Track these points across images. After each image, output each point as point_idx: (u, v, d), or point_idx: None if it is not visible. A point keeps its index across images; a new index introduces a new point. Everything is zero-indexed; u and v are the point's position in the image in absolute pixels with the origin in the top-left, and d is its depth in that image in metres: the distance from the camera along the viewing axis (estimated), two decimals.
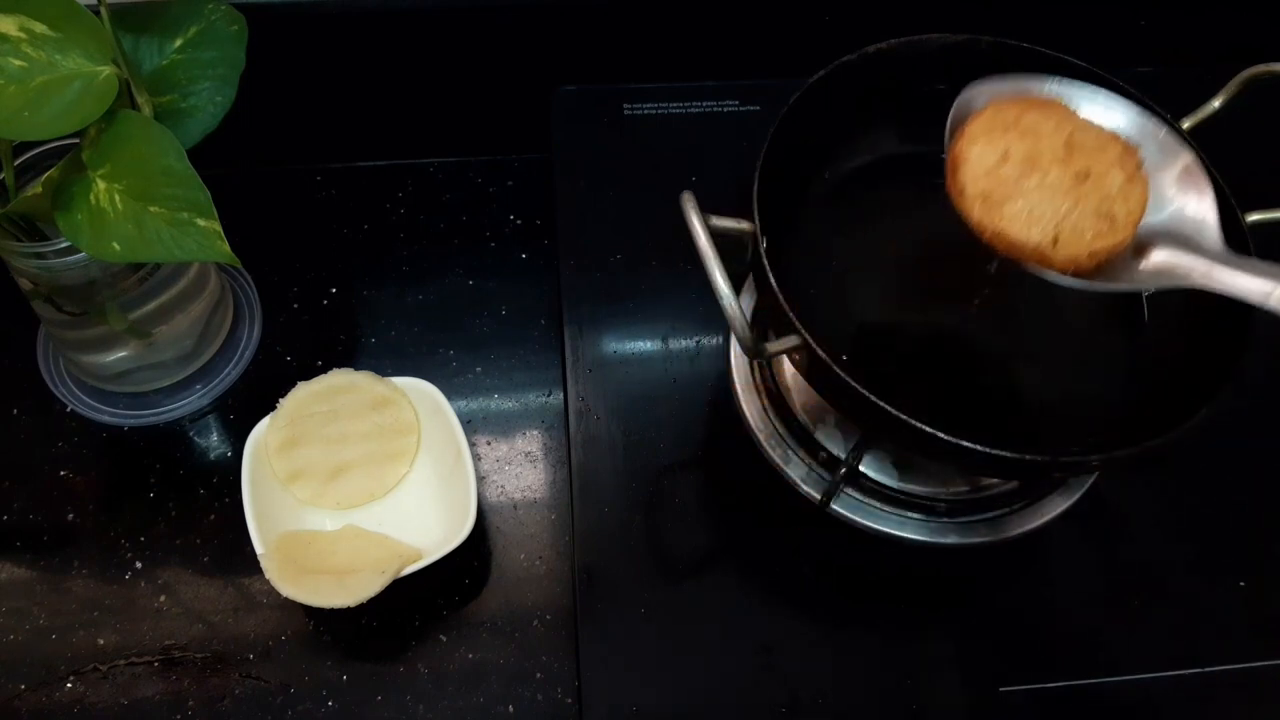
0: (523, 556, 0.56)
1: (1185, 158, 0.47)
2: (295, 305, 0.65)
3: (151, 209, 0.46)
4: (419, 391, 0.57)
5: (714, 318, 0.62)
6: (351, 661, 0.53)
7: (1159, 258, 0.46)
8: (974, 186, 0.46)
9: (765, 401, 0.56)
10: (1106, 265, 0.46)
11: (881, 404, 0.43)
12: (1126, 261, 0.46)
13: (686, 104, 0.71)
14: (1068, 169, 0.45)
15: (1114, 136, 0.47)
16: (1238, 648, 0.53)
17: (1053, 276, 0.45)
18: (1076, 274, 0.45)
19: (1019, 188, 0.45)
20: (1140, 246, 0.46)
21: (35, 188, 0.46)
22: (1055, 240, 0.44)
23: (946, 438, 0.42)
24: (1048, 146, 0.46)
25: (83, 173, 0.46)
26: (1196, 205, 0.47)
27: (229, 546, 0.55)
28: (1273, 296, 0.42)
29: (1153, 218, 0.47)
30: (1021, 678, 0.52)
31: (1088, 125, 0.47)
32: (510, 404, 0.62)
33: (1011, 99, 0.48)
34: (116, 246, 0.46)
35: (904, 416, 0.42)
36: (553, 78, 0.70)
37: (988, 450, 0.42)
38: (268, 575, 0.50)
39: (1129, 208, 0.45)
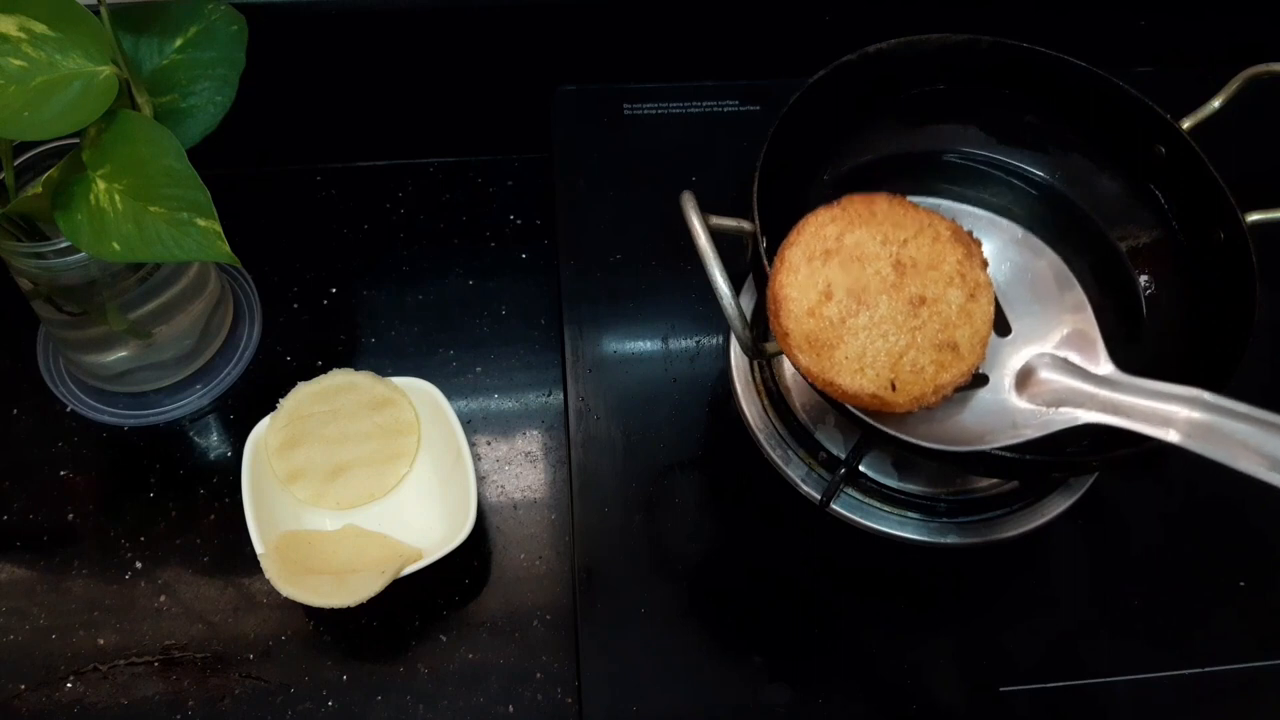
0: (523, 556, 0.56)
1: (1075, 314, 0.43)
2: (295, 305, 0.65)
3: (151, 209, 0.46)
4: (419, 391, 0.57)
5: (714, 318, 0.62)
6: (351, 661, 0.53)
7: (1046, 385, 0.42)
8: (797, 330, 0.41)
9: (765, 401, 0.56)
10: (991, 411, 0.42)
11: None
12: (1008, 400, 0.42)
13: (686, 104, 0.71)
14: (899, 297, 0.41)
15: (952, 233, 0.43)
16: (1238, 648, 0.53)
17: (927, 445, 0.40)
18: (926, 409, 0.41)
19: (846, 329, 0.41)
20: (1024, 375, 0.43)
21: (35, 188, 0.46)
22: (893, 384, 0.41)
23: None
24: (874, 273, 0.42)
25: (83, 173, 0.46)
26: (1081, 343, 0.42)
27: (229, 546, 0.55)
28: (1176, 423, 0.36)
29: (1037, 346, 0.43)
30: (1021, 678, 0.52)
31: (919, 225, 0.43)
32: (510, 404, 0.62)
33: (833, 211, 0.43)
34: (116, 246, 0.46)
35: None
36: (553, 78, 0.70)
37: (988, 450, 0.42)
38: (268, 575, 0.50)
39: (974, 328, 0.41)
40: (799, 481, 0.53)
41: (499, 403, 0.62)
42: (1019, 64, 0.53)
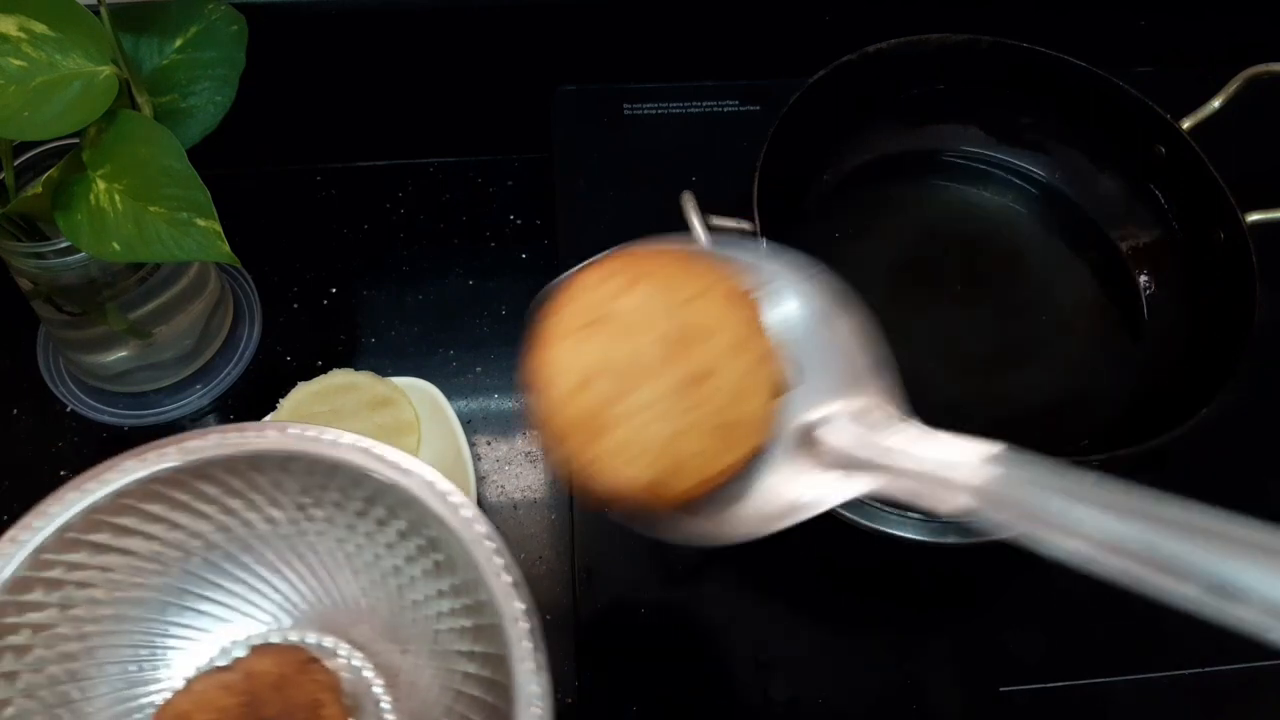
0: (523, 556, 0.56)
1: (870, 373, 0.36)
2: (295, 305, 0.65)
3: (151, 209, 0.46)
4: (419, 391, 0.57)
5: None
6: None
7: (832, 451, 0.35)
8: (556, 418, 0.34)
9: None
10: (780, 484, 0.35)
11: None
12: (797, 469, 0.35)
13: (686, 104, 0.71)
14: (678, 370, 0.34)
15: (739, 284, 0.36)
16: (1237, 648, 0.53)
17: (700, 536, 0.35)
18: (711, 493, 0.35)
19: (612, 416, 0.33)
20: (808, 440, 0.35)
21: (35, 188, 0.46)
22: (672, 470, 0.34)
23: None
24: (649, 344, 0.34)
25: (83, 173, 0.46)
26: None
27: None
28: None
29: (825, 409, 0.36)
30: (1021, 678, 0.52)
31: (711, 280, 0.35)
32: (510, 404, 0.62)
33: (611, 264, 0.36)
34: (116, 246, 0.46)
35: None
36: (553, 78, 0.70)
37: None
38: None
39: (761, 401, 0.34)
40: None
41: (499, 403, 0.62)
42: (1019, 64, 0.53)
